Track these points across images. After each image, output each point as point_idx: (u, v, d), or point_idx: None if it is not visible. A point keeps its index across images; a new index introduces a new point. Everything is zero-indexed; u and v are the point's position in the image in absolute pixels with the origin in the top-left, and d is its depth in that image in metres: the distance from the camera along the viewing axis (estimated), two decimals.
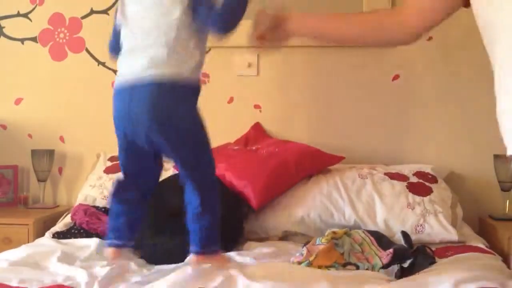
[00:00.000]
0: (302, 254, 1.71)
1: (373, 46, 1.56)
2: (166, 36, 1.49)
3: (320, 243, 1.74)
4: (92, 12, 2.62)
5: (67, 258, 1.70)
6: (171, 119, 1.48)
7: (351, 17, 1.52)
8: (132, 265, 1.66)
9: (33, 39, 2.65)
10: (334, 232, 1.79)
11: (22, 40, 2.66)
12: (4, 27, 2.67)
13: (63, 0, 2.63)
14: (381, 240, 1.80)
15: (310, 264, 1.64)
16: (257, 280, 1.44)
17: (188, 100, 1.52)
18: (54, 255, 1.72)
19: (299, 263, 1.67)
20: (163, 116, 1.47)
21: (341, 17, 1.54)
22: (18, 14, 2.66)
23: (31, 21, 2.65)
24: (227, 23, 1.52)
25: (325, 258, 1.66)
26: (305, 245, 1.79)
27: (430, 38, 2.43)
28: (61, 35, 2.64)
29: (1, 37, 2.67)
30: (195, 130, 1.54)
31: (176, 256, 1.68)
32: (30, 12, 2.65)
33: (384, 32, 1.46)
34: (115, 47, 1.61)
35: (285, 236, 2.04)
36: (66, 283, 1.49)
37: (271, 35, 1.54)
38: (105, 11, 2.61)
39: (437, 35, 2.42)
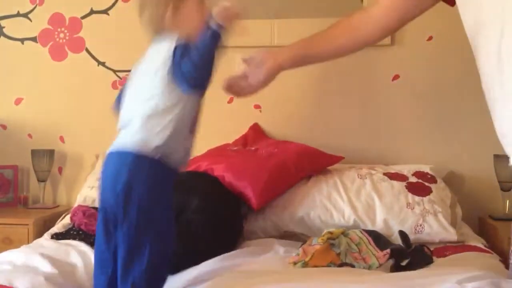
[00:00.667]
0: (298, 254, 1.72)
1: (356, 50, 1.55)
2: (143, 106, 1.39)
3: (316, 243, 1.74)
4: (92, 12, 2.62)
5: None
6: (123, 190, 1.34)
7: (331, 31, 1.51)
8: None
9: (33, 39, 2.65)
10: (330, 233, 1.79)
11: (22, 40, 2.66)
12: (4, 27, 2.67)
13: (63, 0, 2.63)
14: (379, 239, 1.79)
15: (305, 265, 1.64)
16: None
17: (142, 174, 1.36)
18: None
19: (295, 263, 1.67)
20: (115, 185, 1.35)
21: (325, 35, 1.52)
22: (18, 14, 2.66)
23: (31, 21, 2.65)
24: (197, 77, 1.44)
25: (320, 258, 1.66)
26: (302, 245, 1.79)
27: (430, 38, 2.43)
28: (61, 35, 2.64)
29: (1, 37, 2.67)
30: (145, 208, 1.35)
31: None
32: (30, 12, 2.65)
33: (359, 32, 1.46)
34: (117, 106, 1.52)
35: (285, 236, 2.04)
36: None
37: (253, 75, 1.55)
38: (105, 11, 2.61)
39: (437, 35, 2.42)
